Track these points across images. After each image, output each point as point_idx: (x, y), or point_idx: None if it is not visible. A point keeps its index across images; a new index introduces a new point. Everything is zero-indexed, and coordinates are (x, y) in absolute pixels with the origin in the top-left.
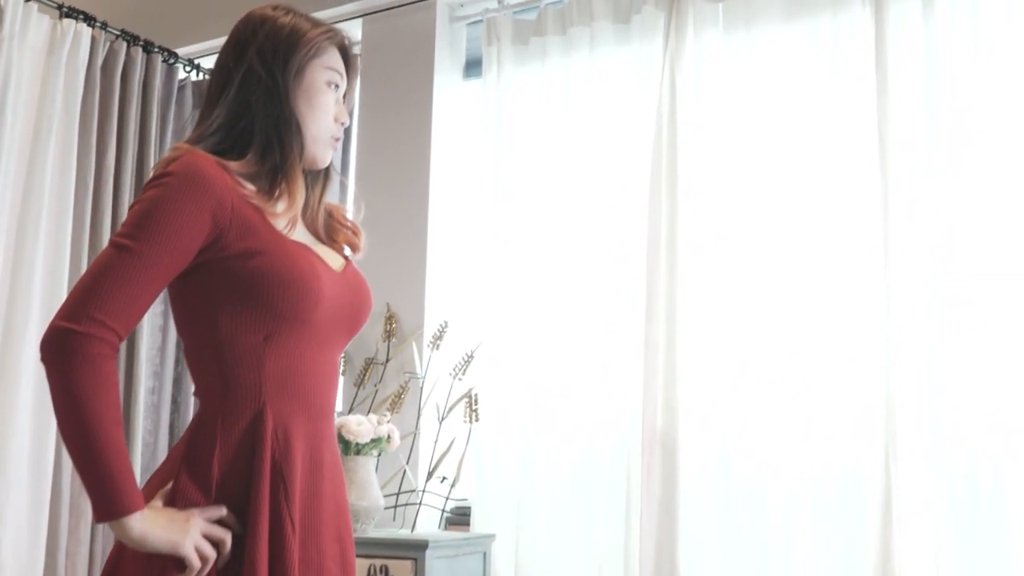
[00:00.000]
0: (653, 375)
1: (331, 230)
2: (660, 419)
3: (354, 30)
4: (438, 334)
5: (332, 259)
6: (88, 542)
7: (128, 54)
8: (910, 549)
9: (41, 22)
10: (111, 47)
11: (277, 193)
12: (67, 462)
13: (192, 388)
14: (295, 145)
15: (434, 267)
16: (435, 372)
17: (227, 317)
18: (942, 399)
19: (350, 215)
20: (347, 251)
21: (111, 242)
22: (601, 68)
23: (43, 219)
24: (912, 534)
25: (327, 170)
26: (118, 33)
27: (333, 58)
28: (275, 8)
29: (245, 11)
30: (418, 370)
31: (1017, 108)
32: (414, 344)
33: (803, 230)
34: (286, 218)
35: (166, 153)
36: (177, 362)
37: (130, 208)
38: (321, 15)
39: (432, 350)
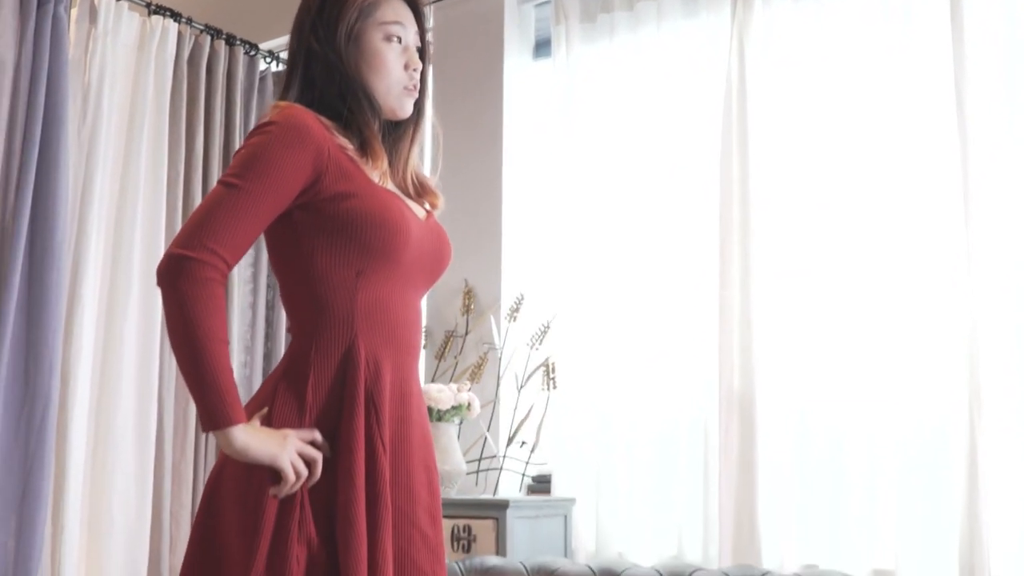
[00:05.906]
0: (728, 337)
1: (419, 190)
2: (737, 381)
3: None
4: (515, 307)
5: (417, 211)
6: (189, 505)
7: (212, 47)
8: (997, 506)
9: (132, 19)
10: (196, 41)
11: (365, 154)
12: (168, 432)
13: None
14: (365, 109)
15: (509, 243)
16: (513, 343)
17: (322, 253)
18: None
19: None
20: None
21: (220, 182)
22: (669, 42)
23: (139, 205)
24: (999, 491)
25: (416, 123)
26: (202, 28)
27: (388, 11)
28: None
29: None
30: (496, 342)
31: None
32: (492, 317)
33: (879, 194)
34: (377, 173)
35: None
36: (267, 338)
37: (235, 153)
38: None
39: (509, 322)
